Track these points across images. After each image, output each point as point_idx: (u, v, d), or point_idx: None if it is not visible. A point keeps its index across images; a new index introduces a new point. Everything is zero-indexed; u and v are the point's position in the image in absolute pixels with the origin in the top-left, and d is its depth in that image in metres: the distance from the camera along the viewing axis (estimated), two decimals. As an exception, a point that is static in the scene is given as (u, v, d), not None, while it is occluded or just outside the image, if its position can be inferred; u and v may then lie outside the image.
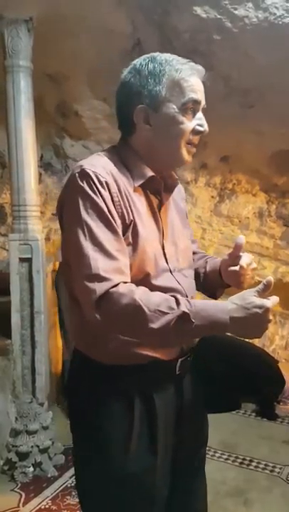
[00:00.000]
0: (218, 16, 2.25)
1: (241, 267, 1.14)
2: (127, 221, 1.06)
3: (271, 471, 2.44)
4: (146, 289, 1.02)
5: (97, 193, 1.02)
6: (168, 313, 0.96)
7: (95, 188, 1.02)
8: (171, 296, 1.01)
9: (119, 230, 1.04)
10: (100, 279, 0.98)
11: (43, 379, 2.45)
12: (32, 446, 2.36)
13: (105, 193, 1.03)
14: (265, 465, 2.49)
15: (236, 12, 2.20)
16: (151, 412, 1.12)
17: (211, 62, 2.62)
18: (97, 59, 2.77)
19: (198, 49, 2.53)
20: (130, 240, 1.06)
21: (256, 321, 0.98)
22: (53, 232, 3.77)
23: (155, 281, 1.09)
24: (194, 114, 1.11)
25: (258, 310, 0.97)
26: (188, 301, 0.99)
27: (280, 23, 2.19)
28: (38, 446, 2.38)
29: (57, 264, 3.36)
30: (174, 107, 1.08)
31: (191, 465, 1.26)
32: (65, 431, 2.54)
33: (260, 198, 3.98)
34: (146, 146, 1.13)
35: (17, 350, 2.42)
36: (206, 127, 1.12)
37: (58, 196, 1.13)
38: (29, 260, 2.40)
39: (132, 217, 1.06)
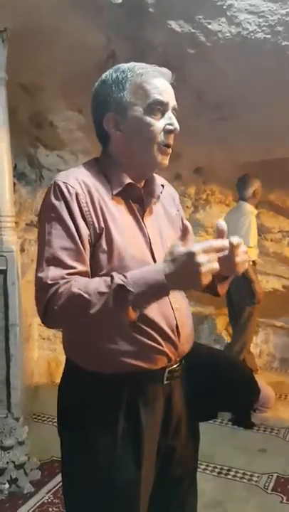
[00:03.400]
0: (192, 30, 2.29)
1: (231, 245, 1.09)
2: (98, 230, 1.08)
3: (249, 480, 2.46)
4: (86, 278, 1.04)
5: (63, 203, 1.07)
6: (106, 292, 0.98)
7: (61, 198, 1.08)
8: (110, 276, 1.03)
9: (83, 239, 1.06)
10: (47, 287, 1.03)
11: (18, 393, 2.40)
12: (7, 462, 2.31)
13: (72, 203, 1.07)
14: (243, 474, 2.50)
15: (210, 27, 2.25)
16: (136, 421, 1.12)
17: (183, 75, 2.66)
18: (72, 70, 2.78)
19: (172, 62, 2.56)
20: (105, 247, 1.09)
21: (187, 270, 0.95)
22: (27, 242, 3.73)
23: None
24: (163, 114, 1.13)
25: (184, 258, 0.95)
26: (125, 275, 1.00)
27: (253, 38, 2.24)
28: (13, 462, 2.32)
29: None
30: (140, 109, 1.11)
31: (183, 476, 1.26)
32: (41, 446, 2.52)
33: (233, 209, 4.04)
34: (121, 152, 1.16)
35: (-9, 364, 2.37)
36: (176, 126, 1.14)
37: None
38: (4, 272, 2.36)
39: (103, 226, 1.09)
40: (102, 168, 1.17)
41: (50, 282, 1.03)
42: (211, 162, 3.61)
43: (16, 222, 2.77)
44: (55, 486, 2.36)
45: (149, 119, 1.11)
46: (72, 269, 1.04)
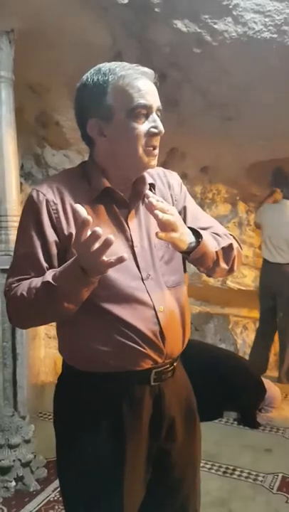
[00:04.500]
0: (198, 30, 2.29)
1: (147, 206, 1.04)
2: (67, 235, 1.09)
3: (254, 479, 2.46)
4: (31, 280, 1.07)
5: (31, 212, 1.11)
6: (38, 288, 1.03)
7: (31, 207, 1.11)
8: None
9: (48, 246, 1.09)
10: (5, 293, 1.13)
11: (24, 392, 2.42)
12: (14, 461, 2.32)
13: (40, 211, 1.10)
14: (249, 474, 2.50)
15: (216, 26, 2.25)
16: (119, 421, 1.12)
17: (189, 75, 2.67)
18: (78, 70, 2.77)
19: (178, 62, 2.58)
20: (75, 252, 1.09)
21: (79, 247, 0.95)
22: (33, 242, 3.75)
23: (123, 289, 1.10)
24: (147, 117, 1.09)
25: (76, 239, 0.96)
26: (56, 270, 1.03)
27: (259, 37, 2.24)
28: (20, 460, 2.33)
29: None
30: (124, 114, 1.07)
31: (181, 479, 1.24)
32: (48, 444, 2.52)
33: (239, 208, 4.05)
34: (106, 157, 1.14)
35: (-2, 362, 2.39)
36: (160, 128, 1.10)
37: None
38: (10, 271, 2.38)
39: (72, 231, 1.08)
40: (86, 173, 1.17)
41: (6, 289, 1.11)
42: (216, 161, 3.61)
43: (22, 222, 2.79)
44: (61, 484, 2.37)
45: (133, 123, 1.07)
46: (27, 274, 1.09)
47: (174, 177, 1.31)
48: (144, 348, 1.10)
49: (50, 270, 1.05)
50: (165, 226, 1.04)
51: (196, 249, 1.12)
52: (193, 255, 1.13)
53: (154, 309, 1.12)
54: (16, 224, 2.43)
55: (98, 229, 0.90)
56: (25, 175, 3.71)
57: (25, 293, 1.05)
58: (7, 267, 2.32)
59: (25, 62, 2.50)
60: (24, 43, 2.41)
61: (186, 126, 2.89)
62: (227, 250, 1.22)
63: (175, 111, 2.84)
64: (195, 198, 3.96)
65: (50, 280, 1.01)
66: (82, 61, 2.66)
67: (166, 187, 1.27)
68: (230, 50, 2.34)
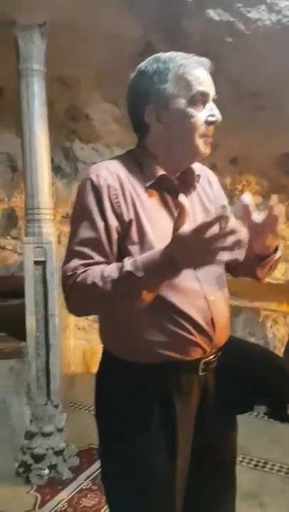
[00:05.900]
0: (231, 19, 2.26)
1: (243, 208, 1.10)
2: (127, 221, 1.09)
3: (286, 473, 2.44)
4: (101, 266, 1.05)
5: (93, 196, 1.09)
6: (117, 278, 1.00)
7: (92, 192, 1.09)
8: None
9: (109, 231, 1.08)
10: (68, 279, 1.07)
11: (57, 381, 2.46)
12: (47, 449, 2.37)
13: (102, 196, 1.08)
14: (280, 467, 2.49)
15: (249, 15, 2.21)
16: (170, 411, 1.12)
17: (221, 64, 2.63)
18: (108, 62, 2.78)
19: (209, 51, 2.52)
20: (135, 238, 1.09)
21: (184, 246, 0.93)
22: (63, 234, 3.78)
23: (176, 278, 1.07)
24: (204, 105, 1.12)
25: (179, 234, 0.93)
26: (135, 259, 1.01)
27: (293, 25, 2.19)
28: (52, 449, 2.38)
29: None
30: (183, 101, 1.10)
31: (220, 466, 1.25)
32: (80, 433, 2.57)
33: (269, 200, 3.98)
34: (161, 144, 1.15)
35: (31, 352, 2.43)
36: (218, 116, 1.13)
37: None
38: (43, 263, 2.42)
39: (133, 217, 1.09)
40: (137, 160, 1.17)
41: (69, 273, 1.07)
42: (246, 152, 3.56)
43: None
44: (93, 473, 2.40)
45: (192, 110, 1.10)
46: (91, 259, 1.07)
47: (211, 174, 1.34)
48: (196, 337, 1.12)
49: (126, 259, 1.03)
50: (276, 233, 1.12)
51: (274, 254, 1.20)
52: (267, 259, 1.20)
53: (206, 298, 1.14)
54: (49, 217, 2.49)
55: (237, 225, 0.89)
56: (54, 168, 3.74)
57: (97, 281, 1.01)
58: (41, 259, 2.41)
59: (55, 55, 2.51)
60: (54, 36, 2.43)
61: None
62: (278, 260, 1.28)
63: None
64: (225, 189, 3.91)
65: (132, 270, 0.98)
66: (111, 53, 2.68)
67: (206, 182, 1.29)
68: (263, 39, 2.30)
